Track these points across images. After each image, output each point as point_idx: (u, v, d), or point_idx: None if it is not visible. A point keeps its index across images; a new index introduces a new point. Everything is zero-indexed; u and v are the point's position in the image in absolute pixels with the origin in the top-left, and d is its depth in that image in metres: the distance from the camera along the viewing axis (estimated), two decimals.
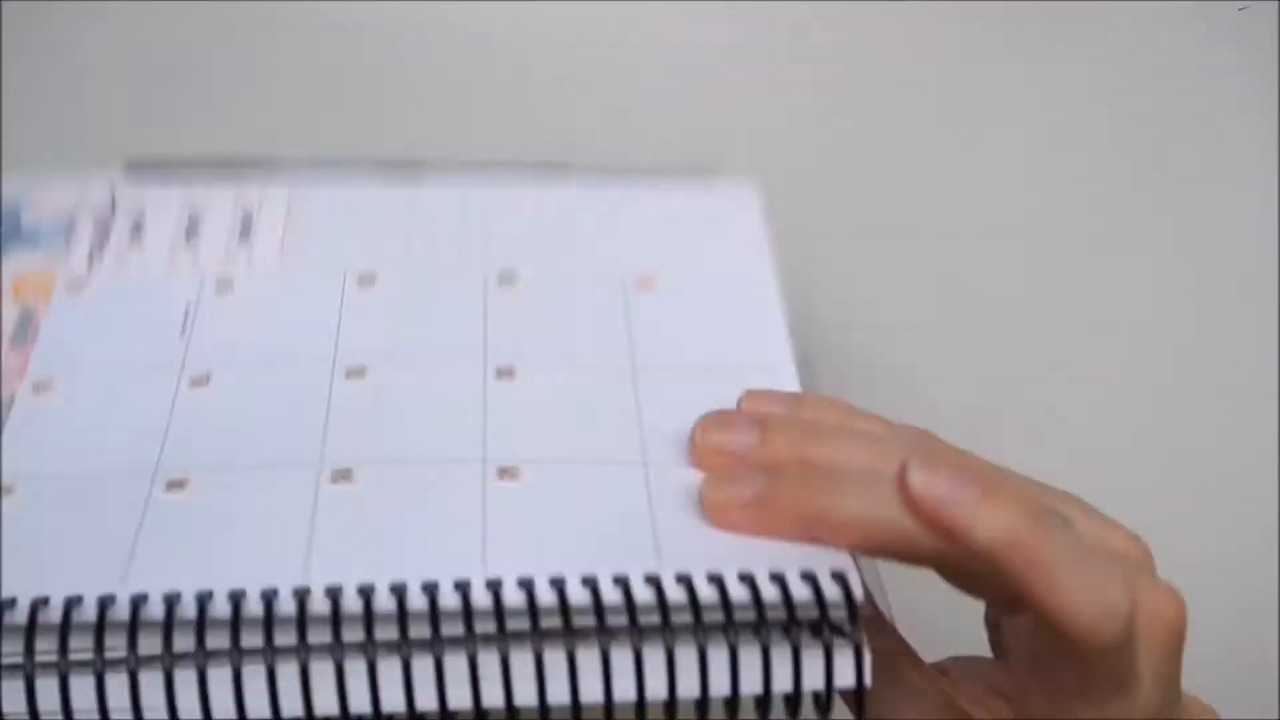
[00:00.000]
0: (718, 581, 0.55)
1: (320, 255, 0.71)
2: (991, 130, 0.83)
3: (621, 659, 0.54)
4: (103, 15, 0.82)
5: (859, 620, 0.53)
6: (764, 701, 0.55)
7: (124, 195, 0.72)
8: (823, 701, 0.55)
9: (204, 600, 0.56)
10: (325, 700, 0.54)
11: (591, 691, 0.54)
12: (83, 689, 0.53)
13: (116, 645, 0.54)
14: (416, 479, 0.65)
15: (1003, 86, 0.82)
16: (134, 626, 0.54)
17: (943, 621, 0.67)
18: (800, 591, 0.54)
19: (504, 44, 0.83)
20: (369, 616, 0.56)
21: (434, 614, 0.55)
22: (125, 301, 0.70)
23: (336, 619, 0.55)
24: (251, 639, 0.54)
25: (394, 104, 0.82)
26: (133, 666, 0.54)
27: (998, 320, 0.86)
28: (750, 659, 0.54)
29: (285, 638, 0.54)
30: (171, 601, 0.55)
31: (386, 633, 0.54)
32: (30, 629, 0.55)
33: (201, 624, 0.55)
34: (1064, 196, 0.84)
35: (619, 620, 0.54)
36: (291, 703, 0.53)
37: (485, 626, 0.55)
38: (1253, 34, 0.81)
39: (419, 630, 0.55)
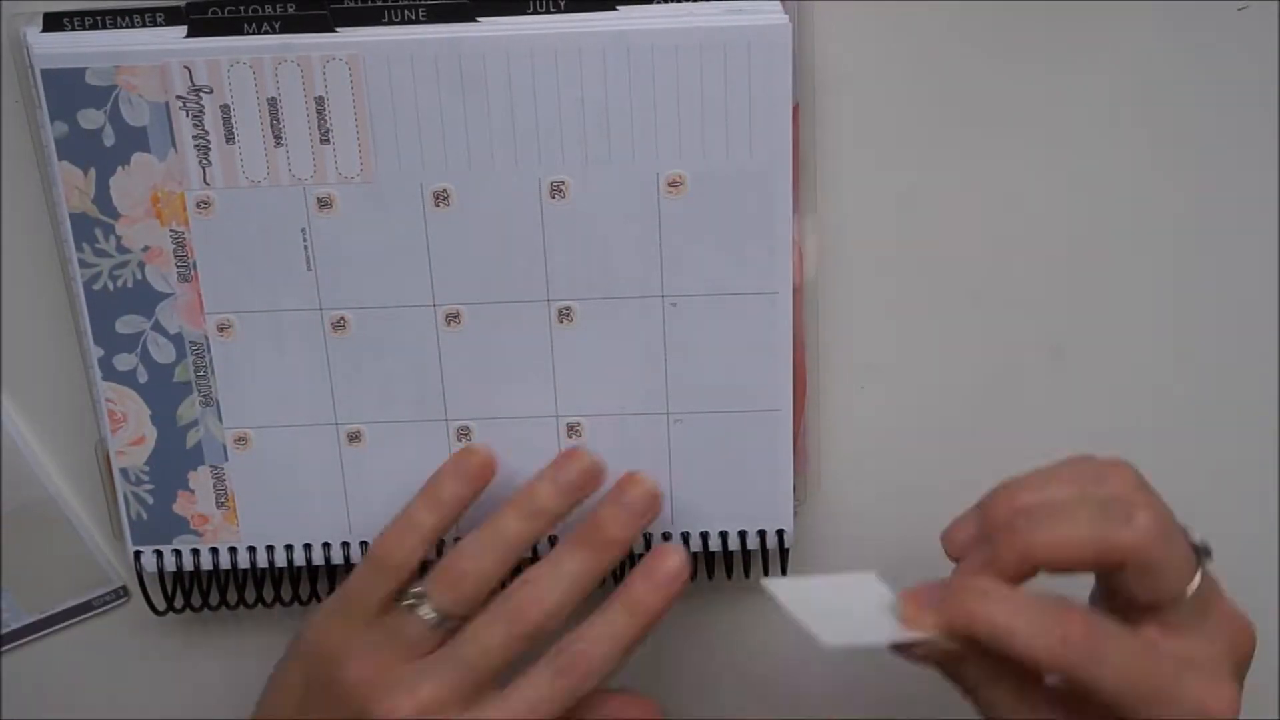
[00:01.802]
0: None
1: (395, 167, 0.79)
2: (986, 131, 0.82)
3: None
4: None
5: None
6: None
7: (199, 73, 0.77)
8: None
9: None
10: None
11: None
12: None
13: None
14: (512, 435, 0.84)
15: (997, 87, 0.81)
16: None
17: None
18: None
19: None
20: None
21: None
22: (247, 221, 0.80)
23: None
24: None
25: None
26: None
27: (999, 320, 0.86)
28: None
29: None
30: None
31: None
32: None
33: None
34: (1061, 197, 0.83)
35: None
36: None
37: None
38: (1253, 34, 0.80)
39: None
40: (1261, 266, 0.85)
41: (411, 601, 0.77)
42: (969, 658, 0.69)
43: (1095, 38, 0.79)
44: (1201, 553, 0.71)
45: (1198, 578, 0.70)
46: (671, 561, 0.78)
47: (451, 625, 0.77)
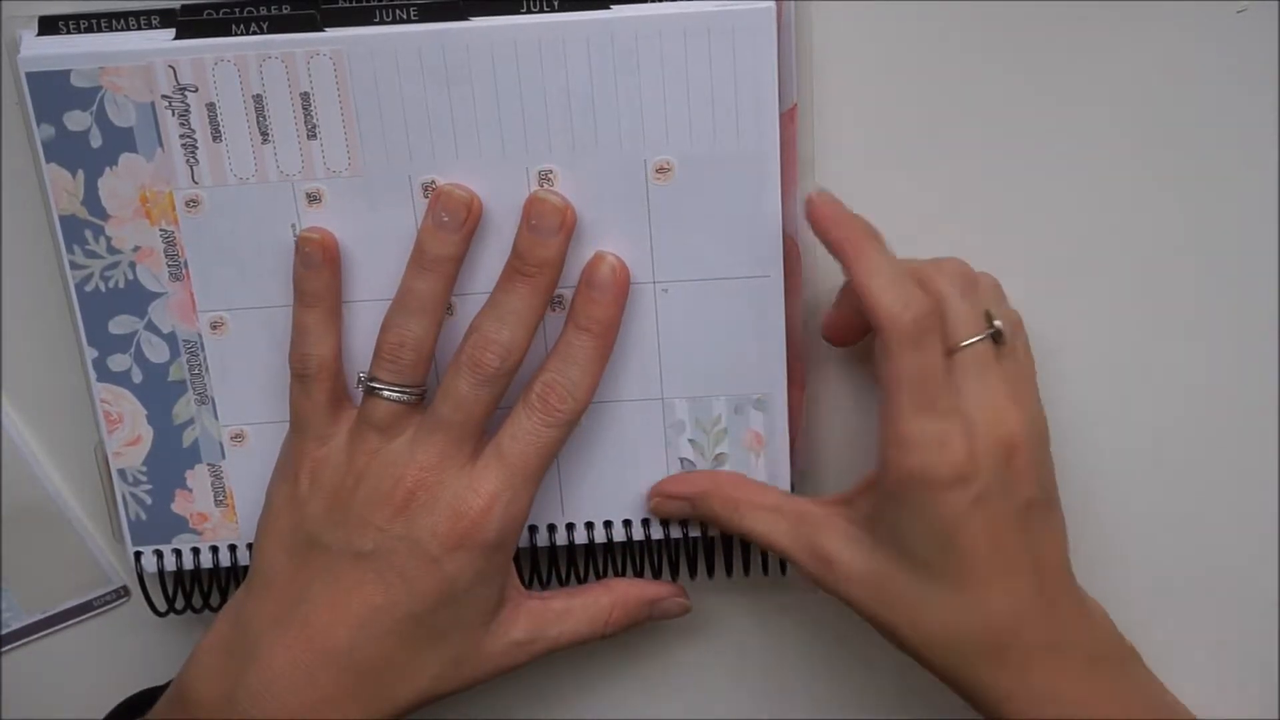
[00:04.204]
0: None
1: (383, 161, 0.76)
2: (985, 131, 0.80)
3: None
4: None
5: None
6: None
7: (184, 72, 0.75)
8: None
9: None
10: None
11: None
12: None
13: None
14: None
15: (997, 87, 0.79)
16: None
17: None
18: None
19: None
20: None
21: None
22: (236, 218, 0.77)
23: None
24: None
25: None
26: None
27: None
28: None
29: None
30: None
31: None
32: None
33: None
34: (1060, 196, 0.81)
35: None
36: None
37: None
38: (1253, 34, 0.78)
39: None
40: (1262, 266, 0.82)
41: (368, 388, 0.77)
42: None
43: (1095, 38, 0.78)
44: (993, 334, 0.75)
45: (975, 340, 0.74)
46: (603, 268, 0.77)
47: (415, 401, 0.77)
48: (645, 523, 0.84)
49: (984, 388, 0.73)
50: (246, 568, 0.84)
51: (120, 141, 0.75)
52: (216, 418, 0.81)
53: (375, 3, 0.74)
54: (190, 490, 0.82)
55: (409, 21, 0.74)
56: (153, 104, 0.74)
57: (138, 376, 0.80)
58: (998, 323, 0.74)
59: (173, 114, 0.75)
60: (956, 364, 0.73)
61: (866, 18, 0.77)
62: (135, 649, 0.90)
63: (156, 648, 0.90)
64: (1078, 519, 0.85)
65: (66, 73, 0.74)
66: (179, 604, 0.86)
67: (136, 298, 0.78)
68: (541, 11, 0.74)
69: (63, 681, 0.91)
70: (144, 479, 0.82)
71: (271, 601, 0.76)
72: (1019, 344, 0.77)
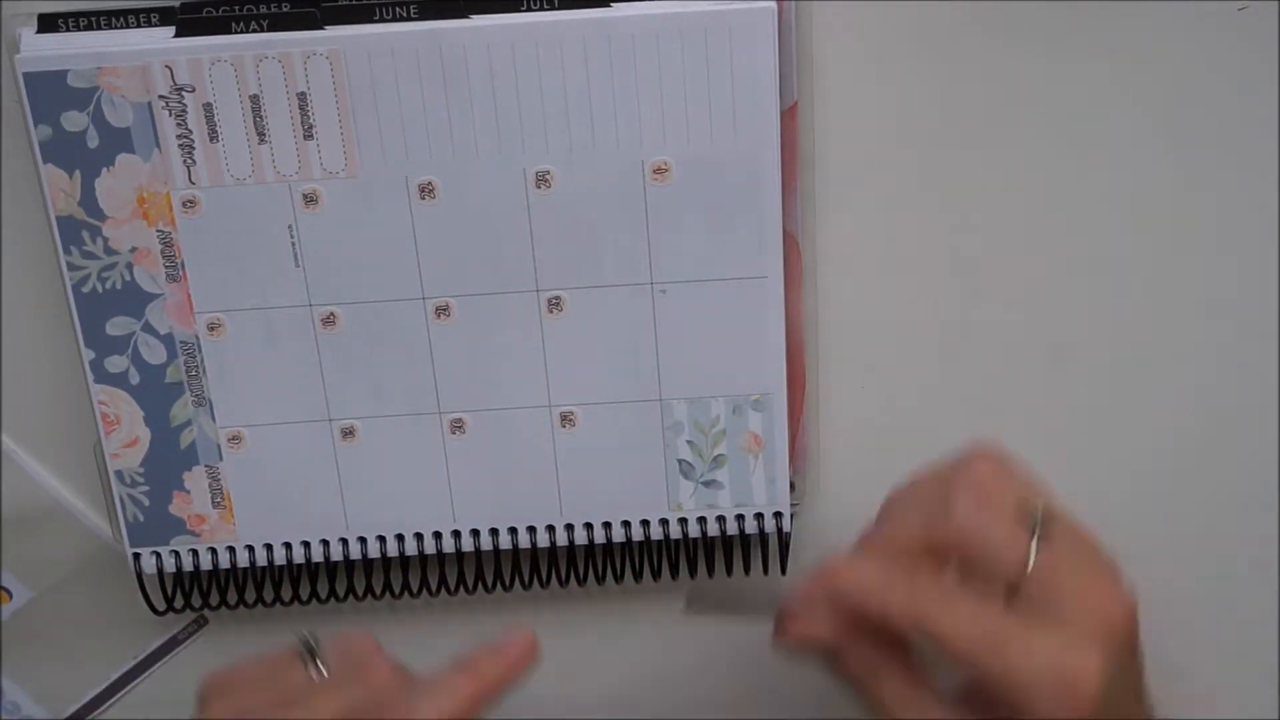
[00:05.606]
0: None
1: (380, 161, 0.76)
2: (986, 131, 0.79)
3: None
4: None
5: None
6: None
7: (180, 72, 0.74)
8: None
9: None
10: None
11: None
12: None
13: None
14: (505, 425, 0.81)
15: (997, 87, 0.79)
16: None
17: None
18: None
19: None
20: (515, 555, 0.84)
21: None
22: (234, 219, 0.76)
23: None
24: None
25: None
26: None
27: (999, 319, 0.83)
28: None
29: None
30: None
31: None
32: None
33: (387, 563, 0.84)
34: (1061, 195, 0.81)
35: None
36: None
37: None
38: (1253, 34, 0.78)
39: None
40: (1261, 265, 0.82)
41: None
42: (849, 648, 0.68)
43: (1095, 37, 0.78)
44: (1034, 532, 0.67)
45: (1031, 561, 0.66)
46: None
47: None
48: (644, 523, 0.83)
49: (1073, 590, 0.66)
50: (245, 569, 0.83)
51: (117, 142, 0.74)
52: (214, 419, 0.80)
53: (375, 0, 0.73)
54: (188, 492, 0.81)
55: (409, 19, 0.73)
56: (150, 104, 0.74)
57: (135, 378, 0.79)
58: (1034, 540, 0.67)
59: (170, 114, 0.74)
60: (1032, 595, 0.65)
61: (866, 18, 0.76)
62: (136, 648, 0.89)
63: (158, 648, 0.89)
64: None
65: (64, 73, 0.73)
66: (178, 604, 0.85)
67: (134, 299, 0.77)
68: (542, 10, 0.73)
69: (63, 681, 0.89)
70: (142, 480, 0.81)
71: None
72: (1059, 527, 0.68)
